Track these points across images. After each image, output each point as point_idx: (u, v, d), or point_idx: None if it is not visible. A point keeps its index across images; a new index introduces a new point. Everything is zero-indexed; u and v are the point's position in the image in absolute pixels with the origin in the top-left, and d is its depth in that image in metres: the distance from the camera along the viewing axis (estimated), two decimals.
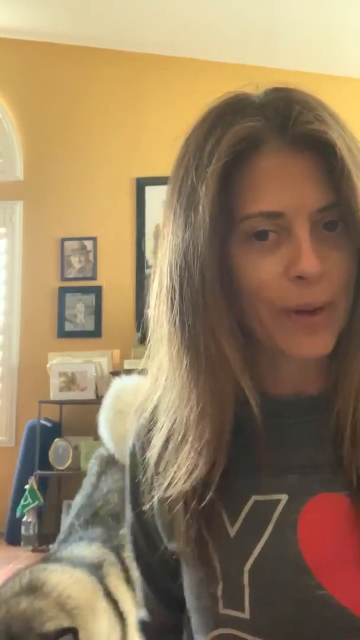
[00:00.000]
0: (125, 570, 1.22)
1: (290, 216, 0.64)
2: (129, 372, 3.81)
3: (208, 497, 0.66)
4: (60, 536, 1.31)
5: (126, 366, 3.96)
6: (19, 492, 3.88)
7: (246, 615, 0.65)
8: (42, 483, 3.96)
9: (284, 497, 0.66)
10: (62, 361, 4.16)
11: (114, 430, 1.44)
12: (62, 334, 4.42)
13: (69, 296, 4.43)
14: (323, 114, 0.64)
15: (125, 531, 1.25)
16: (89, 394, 4.03)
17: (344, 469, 0.65)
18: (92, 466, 1.56)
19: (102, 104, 4.56)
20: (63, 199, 4.55)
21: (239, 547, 0.66)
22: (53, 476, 4.04)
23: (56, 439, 4.02)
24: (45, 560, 1.19)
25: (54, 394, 4.08)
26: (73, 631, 1.13)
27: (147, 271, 4.41)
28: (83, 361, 4.13)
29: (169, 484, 0.68)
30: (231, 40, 4.17)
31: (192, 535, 0.67)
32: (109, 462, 1.51)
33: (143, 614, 0.86)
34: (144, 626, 0.87)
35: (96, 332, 4.37)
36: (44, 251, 4.54)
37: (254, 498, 0.67)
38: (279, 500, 0.66)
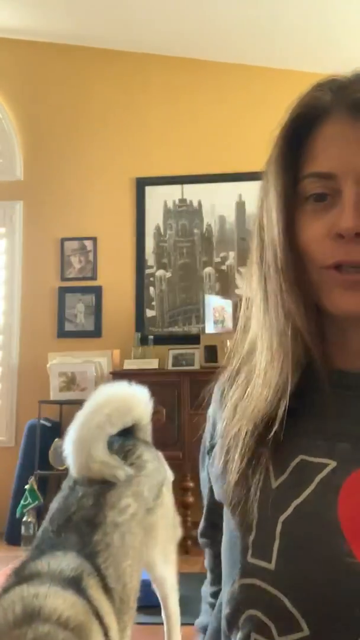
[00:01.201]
0: (102, 578, 1.19)
1: (340, 177, 0.67)
2: (128, 372, 3.83)
3: (264, 441, 0.69)
4: (35, 542, 1.27)
5: (126, 366, 3.96)
6: (19, 492, 3.88)
7: (272, 566, 0.65)
8: (42, 483, 3.96)
9: (332, 463, 0.67)
10: (62, 361, 4.16)
11: (76, 459, 1.41)
12: (62, 334, 4.42)
13: (69, 296, 4.43)
14: None
15: (99, 537, 1.22)
16: (89, 394, 4.01)
17: None
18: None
19: (102, 104, 4.55)
20: (63, 199, 4.55)
21: (278, 498, 0.67)
22: (53, 476, 4.04)
23: (56, 439, 4.02)
24: (23, 577, 1.12)
25: (54, 394, 4.08)
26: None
27: (147, 271, 4.41)
28: (83, 361, 4.13)
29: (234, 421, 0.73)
30: (231, 40, 4.17)
31: (237, 478, 0.70)
32: None
33: (204, 619, 0.88)
34: (203, 630, 0.87)
35: (96, 332, 4.37)
36: (44, 251, 4.54)
37: (301, 457, 0.69)
38: (326, 465, 0.67)
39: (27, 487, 3.79)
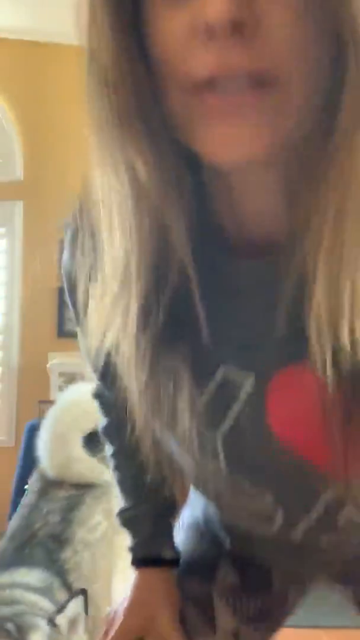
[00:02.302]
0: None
1: None
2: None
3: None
4: None
5: None
6: (19, 492, 3.87)
7: (223, 466, 0.66)
8: None
9: (251, 374, 0.62)
10: (62, 361, 4.16)
11: (54, 456, 1.36)
12: (62, 334, 4.42)
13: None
14: None
15: (68, 554, 1.17)
16: None
17: (309, 339, 0.54)
18: (32, 483, 1.46)
19: None
20: (63, 199, 4.54)
21: (211, 415, 0.64)
22: None
23: None
24: None
25: (54, 394, 4.07)
26: (83, 592, 1.11)
27: None
28: (83, 361, 4.13)
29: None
30: None
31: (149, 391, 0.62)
32: (54, 481, 1.42)
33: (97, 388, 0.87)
34: (101, 396, 0.89)
35: None
36: (44, 251, 4.53)
37: (223, 370, 0.62)
38: (247, 377, 0.62)
39: (27, 487, 3.79)
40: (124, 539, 1.38)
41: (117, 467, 0.87)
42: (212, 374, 0.63)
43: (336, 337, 0.50)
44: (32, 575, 1.10)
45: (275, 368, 0.61)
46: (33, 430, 4.01)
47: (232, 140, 0.46)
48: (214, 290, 0.59)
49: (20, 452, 4.15)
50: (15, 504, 3.97)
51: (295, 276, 0.52)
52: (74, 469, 1.32)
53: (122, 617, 0.78)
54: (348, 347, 0.49)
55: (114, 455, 0.87)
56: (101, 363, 0.68)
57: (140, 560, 0.83)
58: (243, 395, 0.62)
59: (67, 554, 1.19)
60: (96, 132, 0.57)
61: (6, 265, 4.58)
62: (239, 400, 0.62)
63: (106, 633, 0.79)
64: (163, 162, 0.51)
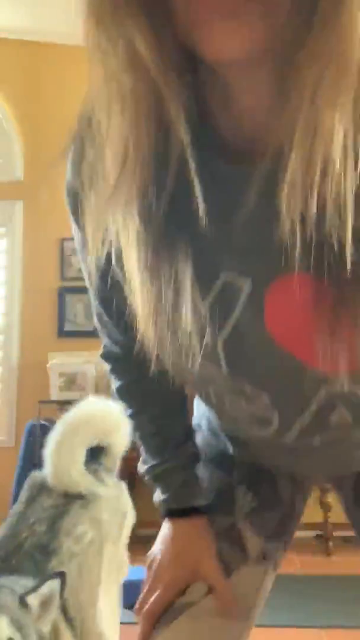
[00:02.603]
0: (63, 604, 1.14)
1: None
2: None
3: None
4: None
5: None
6: (19, 492, 3.88)
7: (223, 369, 0.70)
8: None
9: (248, 281, 0.65)
10: (62, 361, 4.16)
11: (57, 465, 1.37)
12: (62, 334, 4.42)
13: (69, 296, 4.43)
14: None
15: (55, 564, 1.17)
16: (89, 394, 4.02)
17: (280, 212, 0.55)
18: (22, 493, 1.46)
19: None
20: (63, 199, 4.54)
21: (212, 320, 0.67)
22: None
23: None
24: None
25: (54, 394, 4.07)
26: (61, 575, 1.12)
27: None
28: (83, 361, 4.13)
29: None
30: None
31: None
32: (42, 487, 1.41)
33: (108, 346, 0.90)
34: (109, 354, 0.91)
35: (96, 332, 4.35)
36: (44, 251, 4.54)
37: (222, 277, 0.65)
38: (244, 283, 0.65)
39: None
40: (110, 550, 1.37)
41: (138, 426, 0.90)
42: (214, 279, 0.65)
43: (305, 207, 0.52)
44: (20, 584, 1.10)
45: (273, 274, 0.63)
46: (33, 430, 4.03)
47: (230, 36, 0.50)
48: (211, 191, 0.60)
49: (20, 452, 4.16)
50: (14, 504, 3.97)
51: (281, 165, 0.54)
52: (72, 479, 1.32)
53: (166, 572, 0.83)
54: (314, 217, 0.52)
55: (133, 415, 0.90)
56: (104, 278, 0.71)
57: (174, 512, 0.87)
58: (243, 300, 0.65)
59: (53, 564, 1.19)
60: (93, 12, 0.58)
61: (6, 265, 4.58)
62: (239, 305, 0.66)
63: (150, 590, 0.83)
64: (162, 45, 0.53)
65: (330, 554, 3.42)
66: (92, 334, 4.33)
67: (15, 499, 4.16)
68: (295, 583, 2.84)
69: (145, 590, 0.84)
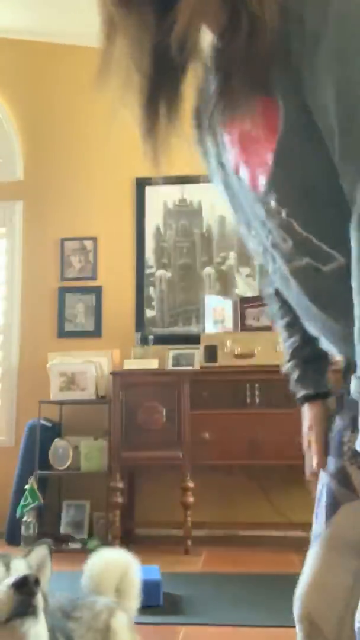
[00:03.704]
0: None
1: None
2: (128, 372, 3.83)
3: None
4: None
5: (126, 366, 3.96)
6: (19, 492, 3.88)
7: None
8: (42, 483, 3.95)
9: None
10: (62, 361, 4.16)
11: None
12: (62, 334, 4.42)
13: (69, 296, 4.43)
14: None
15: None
16: (89, 394, 4.02)
17: None
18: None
19: (102, 104, 4.54)
20: (63, 199, 4.55)
21: None
22: (53, 476, 4.04)
23: (56, 439, 4.02)
24: None
25: (54, 394, 4.08)
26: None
27: (147, 271, 4.41)
28: (83, 361, 4.13)
29: None
30: None
31: None
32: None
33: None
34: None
35: (96, 332, 4.37)
36: (44, 251, 4.54)
37: None
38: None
39: (27, 487, 3.79)
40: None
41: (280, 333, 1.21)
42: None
43: None
44: None
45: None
46: (33, 430, 4.03)
47: None
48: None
49: (20, 452, 4.16)
50: (15, 504, 3.98)
51: None
52: None
53: (312, 434, 1.11)
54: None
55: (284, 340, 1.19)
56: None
57: (300, 398, 1.16)
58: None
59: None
60: None
61: (6, 265, 4.58)
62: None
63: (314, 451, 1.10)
64: None
65: None
66: (91, 334, 4.33)
67: (16, 498, 4.16)
68: (295, 583, 2.83)
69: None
